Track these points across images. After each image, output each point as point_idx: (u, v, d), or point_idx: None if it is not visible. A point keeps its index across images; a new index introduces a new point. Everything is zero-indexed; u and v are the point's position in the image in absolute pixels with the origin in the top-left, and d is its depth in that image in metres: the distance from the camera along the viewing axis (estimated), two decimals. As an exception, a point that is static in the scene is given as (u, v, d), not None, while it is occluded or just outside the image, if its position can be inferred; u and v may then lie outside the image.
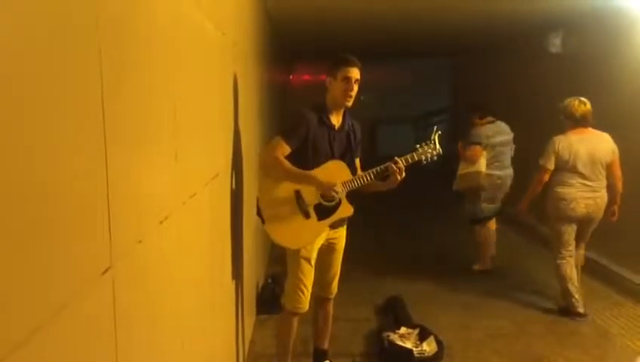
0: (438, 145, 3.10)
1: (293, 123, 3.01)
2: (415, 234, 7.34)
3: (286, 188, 2.95)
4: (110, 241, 1.10)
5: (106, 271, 1.08)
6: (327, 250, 3.18)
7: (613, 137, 4.32)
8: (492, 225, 5.48)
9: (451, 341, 3.92)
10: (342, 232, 3.23)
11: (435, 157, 3.10)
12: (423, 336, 3.83)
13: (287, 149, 2.89)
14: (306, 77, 13.68)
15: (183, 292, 1.82)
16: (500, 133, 5.24)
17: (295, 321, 3.17)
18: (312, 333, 3.50)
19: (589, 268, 5.67)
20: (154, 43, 1.53)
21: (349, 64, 3.02)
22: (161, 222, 1.53)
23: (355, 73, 3.01)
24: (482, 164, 5.13)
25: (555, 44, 6.68)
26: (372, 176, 3.00)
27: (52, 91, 0.90)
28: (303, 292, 3.07)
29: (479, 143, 5.16)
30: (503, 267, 5.73)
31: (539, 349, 3.87)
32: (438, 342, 3.76)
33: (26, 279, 0.81)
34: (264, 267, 4.91)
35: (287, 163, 2.89)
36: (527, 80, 7.80)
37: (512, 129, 5.37)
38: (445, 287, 5.14)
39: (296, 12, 6.20)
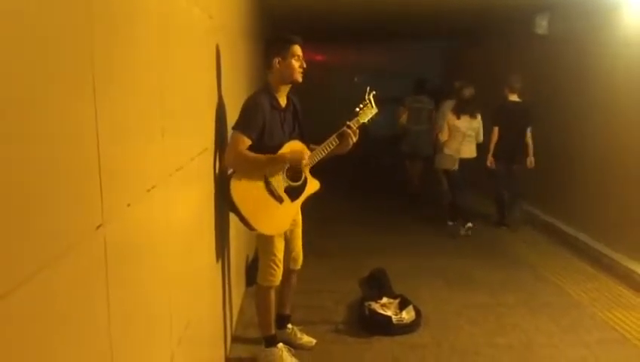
0: (374, 105, 3.25)
1: (248, 114, 3.02)
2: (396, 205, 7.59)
3: (255, 183, 3.02)
4: (102, 201, 1.29)
5: (99, 226, 1.28)
6: (291, 226, 3.34)
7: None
8: (418, 164, 8.07)
9: (430, 311, 4.15)
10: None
11: (375, 117, 3.27)
12: (402, 305, 4.06)
13: (247, 142, 2.93)
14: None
15: (169, 256, 2.01)
16: (417, 101, 7.87)
17: (272, 293, 3.34)
18: (275, 301, 3.52)
19: (566, 243, 5.96)
20: (142, 26, 1.70)
21: (296, 41, 3.12)
22: (148, 191, 1.72)
23: (301, 49, 3.13)
24: (403, 120, 7.90)
25: (542, 26, 6.82)
26: (334, 143, 3.15)
27: (48, 68, 1.08)
28: (278, 266, 3.25)
29: (403, 106, 7.95)
30: (484, 245, 6.04)
31: (512, 319, 4.10)
32: (417, 311, 3.99)
33: (35, 225, 1.00)
34: (254, 240, 5.10)
35: (251, 154, 2.95)
36: (517, 62, 7.96)
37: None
38: (428, 263, 5.37)
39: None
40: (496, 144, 6.39)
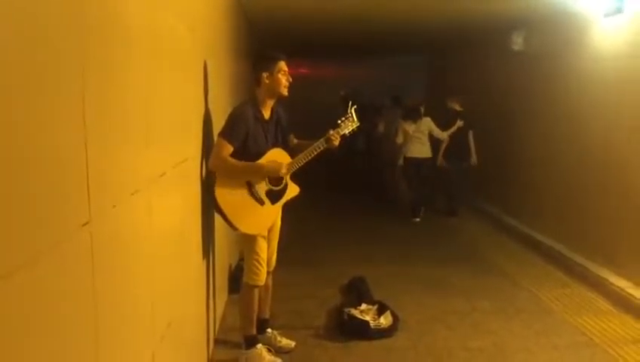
0: (355, 118, 3.44)
1: (232, 123, 3.23)
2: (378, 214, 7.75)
3: (238, 185, 3.25)
4: (89, 200, 1.41)
5: (85, 223, 1.40)
6: (270, 228, 3.53)
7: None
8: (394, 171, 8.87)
9: (408, 316, 4.28)
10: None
11: (356, 129, 3.46)
12: (381, 311, 4.18)
13: (230, 148, 3.15)
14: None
15: (153, 256, 2.12)
16: (392, 115, 9.02)
17: (256, 293, 3.50)
18: None
19: (542, 252, 6.14)
20: (129, 43, 1.84)
21: (282, 57, 3.32)
22: (132, 194, 1.84)
23: (286, 65, 3.33)
24: (381, 129, 9.73)
25: (518, 42, 7.06)
26: (318, 149, 3.33)
27: (41, 75, 1.21)
28: (262, 265, 3.43)
29: (381, 120, 9.78)
30: (465, 252, 6.22)
31: (487, 324, 4.24)
32: (394, 316, 4.12)
33: (29, 218, 1.12)
34: (237, 248, 5.20)
35: (234, 161, 3.16)
36: (495, 75, 8.23)
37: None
38: (408, 270, 5.51)
39: (271, 10, 6.48)
40: (447, 147, 7.88)
